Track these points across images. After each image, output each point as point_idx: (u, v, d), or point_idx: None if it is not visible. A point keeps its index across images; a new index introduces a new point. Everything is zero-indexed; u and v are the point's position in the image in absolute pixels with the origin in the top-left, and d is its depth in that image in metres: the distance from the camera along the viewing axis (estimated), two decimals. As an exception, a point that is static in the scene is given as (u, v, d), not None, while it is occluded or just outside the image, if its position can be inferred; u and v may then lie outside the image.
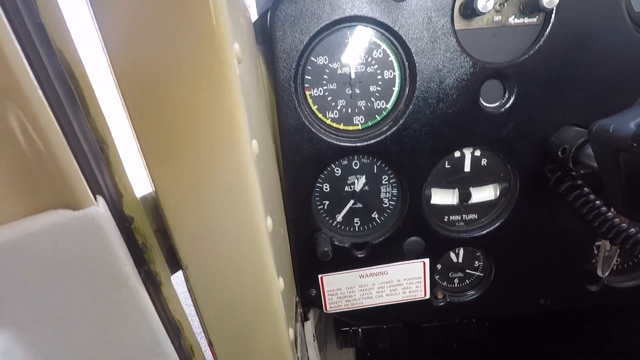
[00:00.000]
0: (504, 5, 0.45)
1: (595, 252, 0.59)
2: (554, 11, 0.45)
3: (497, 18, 0.46)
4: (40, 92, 0.22)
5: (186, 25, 0.24)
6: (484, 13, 0.43)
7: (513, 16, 0.46)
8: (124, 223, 0.30)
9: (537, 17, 0.46)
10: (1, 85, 0.20)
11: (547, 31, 0.46)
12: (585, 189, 0.48)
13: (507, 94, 0.49)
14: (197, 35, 0.24)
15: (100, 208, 0.24)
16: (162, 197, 0.30)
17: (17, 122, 0.21)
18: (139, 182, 0.35)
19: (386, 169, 0.54)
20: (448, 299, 0.62)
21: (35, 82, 0.22)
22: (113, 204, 0.29)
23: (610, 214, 0.47)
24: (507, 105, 0.49)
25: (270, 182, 0.42)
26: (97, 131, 0.28)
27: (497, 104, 0.50)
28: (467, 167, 0.54)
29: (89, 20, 0.26)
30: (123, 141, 0.34)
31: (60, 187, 0.23)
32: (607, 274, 0.58)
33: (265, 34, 0.46)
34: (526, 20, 0.46)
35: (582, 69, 0.48)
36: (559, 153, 0.48)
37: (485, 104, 0.49)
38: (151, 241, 0.34)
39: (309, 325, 0.63)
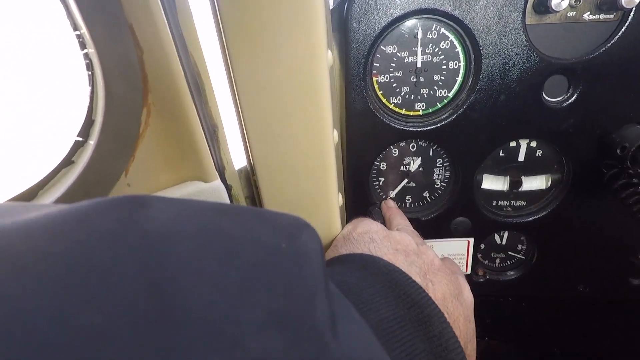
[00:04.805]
0: (579, 2, 0.46)
1: (644, 247, 0.60)
2: (633, 9, 0.45)
3: (571, 14, 0.47)
4: (186, 86, 0.29)
5: (292, 39, 0.29)
6: (557, 11, 0.44)
7: (588, 12, 0.46)
8: (227, 191, 0.37)
9: (614, 14, 0.46)
10: (166, 80, 0.27)
11: (624, 29, 0.46)
12: (640, 187, 0.50)
13: (571, 90, 0.50)
14: (299, 47, 0.30)
15: (219, 181, 0.32)
16: (258, 169, 0.37)
17: (170, 112, 0.28)
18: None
19: (441, 153, 0.57)
20: (488, 277, 0.66)
21: (184, 79, 0.29)
22: (220, 175, 0.36)
23: (662, 214, 0.48)
24: (570, 101, 0.50)
25: (338, 161, 0.48)
26: (212, 117, 0.35)
27: (559, 98, 0.51)
28: (521, 157, 0.56)
29: (213, 29, 0.32)
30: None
31: (195, 163, 0.30)
32: (652, 269, 0.59)
33: (341, 23, 0.50)
34: (602, 16, 0.46)
35: (655, 68, 0.47)
36: (618, 150, 0.50)
37: (547, 98, 0.51)
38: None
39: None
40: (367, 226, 0.41)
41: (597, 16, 0.46)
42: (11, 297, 0.13)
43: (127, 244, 0.15)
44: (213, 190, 0.31)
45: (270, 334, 0.15)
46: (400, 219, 0.54)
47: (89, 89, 0.29)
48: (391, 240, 0.38)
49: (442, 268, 0.37)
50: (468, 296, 0.38)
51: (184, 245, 0.16)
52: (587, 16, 0.47)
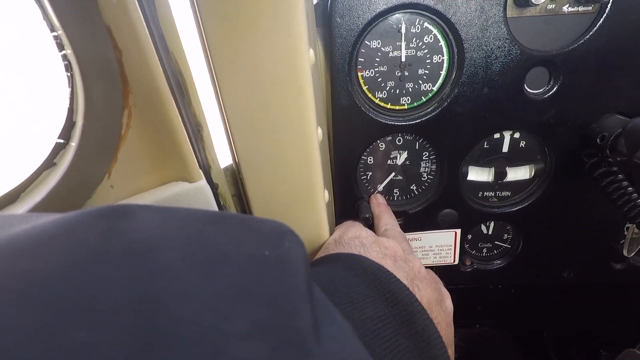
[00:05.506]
0: (559, -6, 0.46)
1: (625, 233, 0.62)
2: (611, 1, 0.45)
3: (550, 6, 0.47)
4: (167, 87, 0.29)
5: (273, 38, 0.29)
6: (537, 4, 0.45)
7: (567, 4, 0.47)
8: (212, 189, 0.38)
9: (592, 5, 0.47)
10: (147, 81, 0.27)
11: (601, 20, 0.47)
12: (620, 175, 0.51)
13: (552, 81, 0.51)
14: (281, 46, 0.30)
15: (204, 180, 0.32)
16: (244, 168, 0.37)
17: (153, 114, 0.28)
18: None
19: (427, 146, 0.58)
20: (475, 266, 0.68)
21: (165, 80, 0.29)
22: (205, 174, 0.36)
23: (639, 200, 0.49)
24: (551, 92, 0.51)
25: (325, 158, 0.48)
26: (195, 116, 0.35)
27: (541, 90, 0.52)
28: (505, 148, 0.57)
29: (194, 28, 0.32)
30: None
31: (179, 163, 0.30)
32: (633, 254, 0.61)
33: (325, 19, 0.50)
34: (581, 8, 0.47)
35: (632, 58, 0.48)
36: (598, 140, 0.51)
37: (529, 90, 0.52)
38: (229, 203, 0.42)
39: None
40: (357, 231, 0.42)
41: (576, 8, 0.47)
42: None
43: (112, 256, 0.15)
44: (198, 190, 0.31)
45: (254, 342, 0.15)
46: (388, 219, 0.55)
47: (68, 90, 0.29)
48: (380, 246, 0.39)
49: (428, 277, 0.39)
50: (449, 304, 0.40)
51: (170, 256, 0.16)
52: (566, 8, 0.47)
